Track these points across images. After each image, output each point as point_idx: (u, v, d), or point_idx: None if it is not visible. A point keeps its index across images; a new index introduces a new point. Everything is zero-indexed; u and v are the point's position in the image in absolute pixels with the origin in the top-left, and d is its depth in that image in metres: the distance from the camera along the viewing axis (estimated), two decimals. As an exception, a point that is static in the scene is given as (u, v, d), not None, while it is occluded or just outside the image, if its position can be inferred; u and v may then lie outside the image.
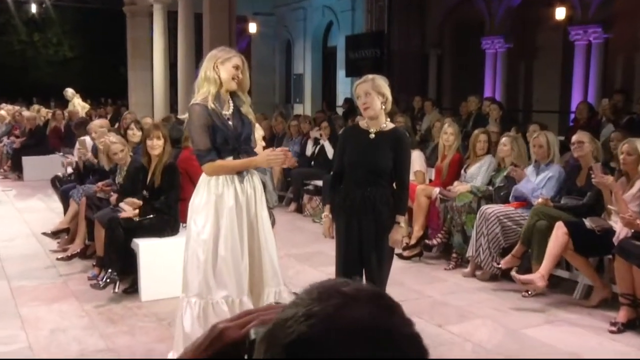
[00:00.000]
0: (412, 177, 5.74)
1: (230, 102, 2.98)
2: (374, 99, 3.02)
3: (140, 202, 4.28)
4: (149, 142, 4.21)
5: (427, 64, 12.31)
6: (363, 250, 3.09)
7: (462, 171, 5.37)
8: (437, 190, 5.25)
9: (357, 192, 3.05)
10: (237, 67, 2.92)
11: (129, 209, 4.32)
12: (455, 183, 5.26)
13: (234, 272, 2.89)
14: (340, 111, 11.46)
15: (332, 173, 3.30)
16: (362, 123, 3.15)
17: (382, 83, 3.05)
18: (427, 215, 5.30)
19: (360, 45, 11.94)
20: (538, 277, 3.99)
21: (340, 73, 13.27)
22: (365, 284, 0.61)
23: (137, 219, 4.26)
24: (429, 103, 9.21)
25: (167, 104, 12.97)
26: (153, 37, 12.91)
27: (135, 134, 5.34)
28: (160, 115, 10.65)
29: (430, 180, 5.89)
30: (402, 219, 3.06)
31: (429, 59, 12.33)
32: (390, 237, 3.08)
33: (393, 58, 11.54)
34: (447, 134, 5.46)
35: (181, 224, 4.44)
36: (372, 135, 3.06)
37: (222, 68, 2.91)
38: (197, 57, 11.66)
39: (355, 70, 12.17)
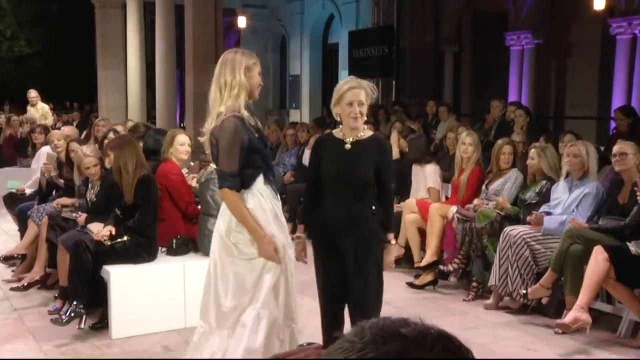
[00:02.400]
0: (424, 194, 5.81)
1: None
2: (365, 109, 3.15)
3: (109, 229, 4.28)
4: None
5: (443, 64, 12.40)
6: (347, 278, 3.12)
7: (484, 187, 5.40)
8: (454, 209, 5.26)
9: (338, 211, 3.11)
10: (260, 74, 3.10)
11: (98, 227, 4.33)
12: (475, 201, 5.28)
13: (293, 300, 3.12)
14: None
15: (306, 187, 3.37)
16: (337, 132, 3.25)
17: (371, 90, 3.19)
18: (441, 238, 5.31)
19: (366, 41, 12.04)
20: (578, 310, 3.94)
21: (343, 74, 13.34)
22: (426, 324, 0.59)
23: (108, 242, 4.27)
24: (445, 108, 9.25)
25: (144, 108, 13.03)
26: (127, 32, 13.01)
27: None
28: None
29: (447, 198, 5.91)
30: (392, 237, 3.21)
31: (445, 57, 12.42)
32: (384, 260, 3.17)
33: (403, 56, 11.63)
34: (465, 145, 5.49)
35: (160, 249, 4.45)
36: (348, 146, 3.17)
37: (249, 75, 3.01)
38: (178, 55, 11.77)
39: (360, 71, 12.18)
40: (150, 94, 13.65)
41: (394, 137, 6.48)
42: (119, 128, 6.22)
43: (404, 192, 6.04)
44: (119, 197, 4.35)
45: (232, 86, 2.93)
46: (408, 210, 5.61)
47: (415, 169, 5.93)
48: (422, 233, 5.50)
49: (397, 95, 11.56)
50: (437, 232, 5.31)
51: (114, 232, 4.28)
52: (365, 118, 3.18)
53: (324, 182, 3.19)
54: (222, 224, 3.05)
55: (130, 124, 7.05)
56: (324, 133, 3.49)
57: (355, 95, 3.13)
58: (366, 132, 3.22)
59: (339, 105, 3.18)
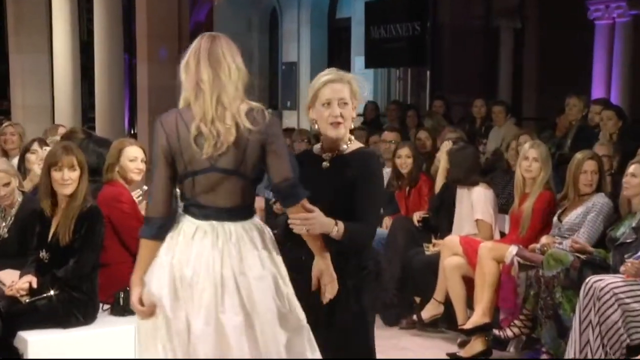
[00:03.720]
0: (471, 229, 5.85)
1: None
2: (350, 112, 3.26)
3: (29, 280, 4.29)
4: (56, 175, 4.29)
5: (497, 46, 12.45)
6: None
7: (555, 219, 5.43)
8: (513, 250, 5.28)
9: (307, 251, 3.18)
10: None
11: (12, 276, 4.36)
12: (543, 239, 5.30)
13: None
14: (357, 121, 11.57)
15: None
16: (317, 147, 3.42)
17: (359, 87, 3.31)
18: (496, 290, 5.32)
19: (390, 16, 12.12)
20: None
21: (357, 61, 13.45)
22: None
23: (26, 299, 4.29)
24: (500, 109, 9.26)
25: (77, 108, 13.00)
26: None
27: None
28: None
29: (502, 235, 5.95)
30: (335, 229, 3.12)
31: (501, 37, 12.47)
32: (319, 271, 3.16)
33: (442, 37, 11.70)
34: (529, 160, 5.53)
35: (101, 306, 4.49)
36: (326, 164, 3.32)
37: None
38: (127, 33, 11.82)
39: (380, 57, 12.31)
40: (87, 88, 13.67)
41: (443, 157, 6.36)
42: (57, 133, 6.31)
43: (446, 226, 6.08)
44: (44, 233, 4.38)
45: (238, 76, 3.01)
46: (449, 252, 5.64)
47: (460, 195, 5.97)
48: (469, 283, 5.52)
49: (433, 91, 11.61)
50: (489, 282, 5.32)
51: (35, 285, 4.30)
52: (351, 125, 3.27)
53: None
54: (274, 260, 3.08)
55: (62, 130, 7.08)
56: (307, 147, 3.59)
57: (334, 91, 3.23)
58: (352, 145, 3.33)
59: (314, 107, 3.28)
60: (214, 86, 2.94)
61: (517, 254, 5.26)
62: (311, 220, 3.03)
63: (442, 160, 6.32)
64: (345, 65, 14.15)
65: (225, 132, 2.91)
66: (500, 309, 5.36)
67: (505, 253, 5.32)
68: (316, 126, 3.33)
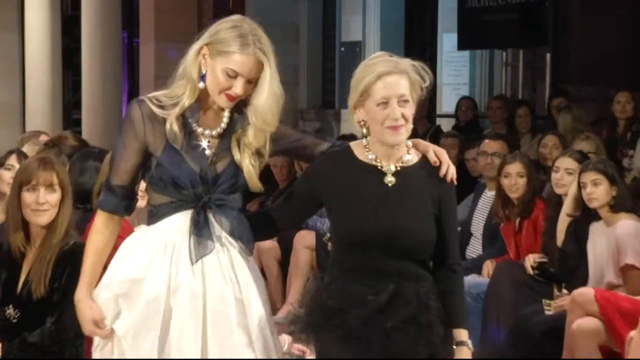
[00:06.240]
0: (613, 277, 5.77)
1: (225, 117, 3.57)
2: (412, 111, 3.39)
3: None
4: (28, 197, 4.37)
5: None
6: None
7: None
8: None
9: (372, 294, 3.36)
10: (231, 74, 3.42)
11: None
12: None
13: None
14: (447, 124, 11.56)
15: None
16: (361, 150, 3.51)
17: (420, 76, 3.42)
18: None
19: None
20: None
21: (446, 40, 13.47)
22: None
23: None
24: (653, 107, 9.23)
25: (57, 107, 13.22)
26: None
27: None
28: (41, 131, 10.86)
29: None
30: (466, 335, 3.43)
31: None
32: None
33: (567, 6, 11.65)
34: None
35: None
36: (392, 180, 3.42)
37: (210, 64, 3.46)
38: (126, 4, 11.99)
39: (480, 35, 12.33)
40: (70, 80, 13.89)
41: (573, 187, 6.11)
42: (27, 147, 6.41)
43: (574, 274, 6.00)
44: (12, 282, 4.44)
45: (183, 72, 3.51)
46: (580, 311, 5.57)
47: (595, 230, 5.91)
48: (608, 354, 5.45)
49: (554, 82, 11.55)
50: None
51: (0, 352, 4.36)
52: (412, 126, 3.38)
53: (345, 244, 3.49)
54: None
55: (44, 138, 7.14)
56: (330, 147, 3.63)
57: (392, 87, 3.35)
58: (412, 154, 3.45)
59: (362, 105, 3.41)
60: None
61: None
62: None
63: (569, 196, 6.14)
64: (430, 47, 14.17)
65: None
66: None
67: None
68: (364, 128, 3.46)
